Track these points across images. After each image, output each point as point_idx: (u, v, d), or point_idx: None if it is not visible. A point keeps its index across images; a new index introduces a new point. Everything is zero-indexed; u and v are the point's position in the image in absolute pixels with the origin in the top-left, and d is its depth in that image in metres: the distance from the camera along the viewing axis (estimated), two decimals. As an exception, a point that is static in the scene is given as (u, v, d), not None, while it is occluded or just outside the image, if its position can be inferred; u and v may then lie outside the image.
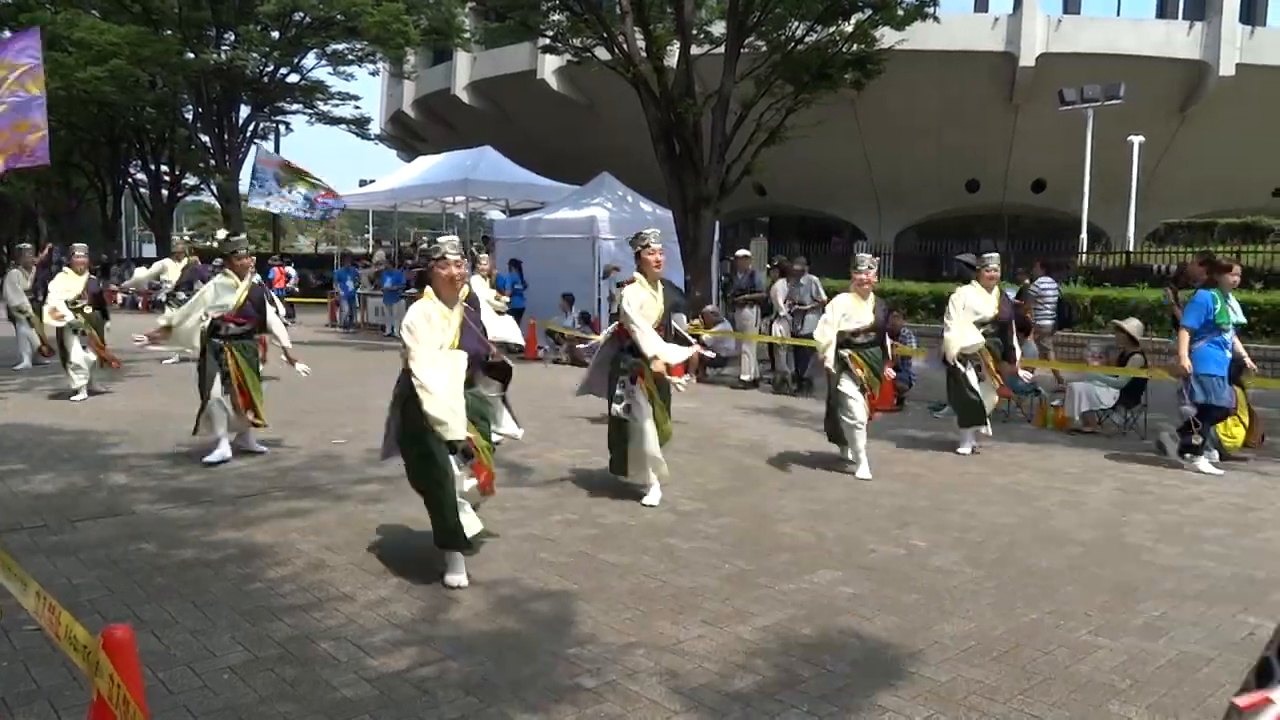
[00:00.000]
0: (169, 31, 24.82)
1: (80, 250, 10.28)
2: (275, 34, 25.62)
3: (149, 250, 40.99)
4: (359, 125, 30.49)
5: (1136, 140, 24.45)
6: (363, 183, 26.93)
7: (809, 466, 7.15)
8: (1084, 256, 21.51)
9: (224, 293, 6.91)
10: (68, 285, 9.98)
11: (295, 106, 29.55)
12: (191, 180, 33.26)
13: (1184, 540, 5.32)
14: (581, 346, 13.89)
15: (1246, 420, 7.88)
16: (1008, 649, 3.72)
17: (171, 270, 13.55)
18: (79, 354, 9.72)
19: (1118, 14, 28.94)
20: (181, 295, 12.36)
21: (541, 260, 15.65)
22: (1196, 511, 6.03)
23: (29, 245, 12.60)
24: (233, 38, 25.64)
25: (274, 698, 3.20)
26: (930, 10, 14.64)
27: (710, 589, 4.36)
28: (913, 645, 3.74)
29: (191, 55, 24.95)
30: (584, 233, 15.26)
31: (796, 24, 14.33)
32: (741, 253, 13.37)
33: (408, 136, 39.54)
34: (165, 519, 5.32)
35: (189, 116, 28.75)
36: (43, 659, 3.42)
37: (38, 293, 11.21)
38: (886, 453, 7.77)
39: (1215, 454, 7.56)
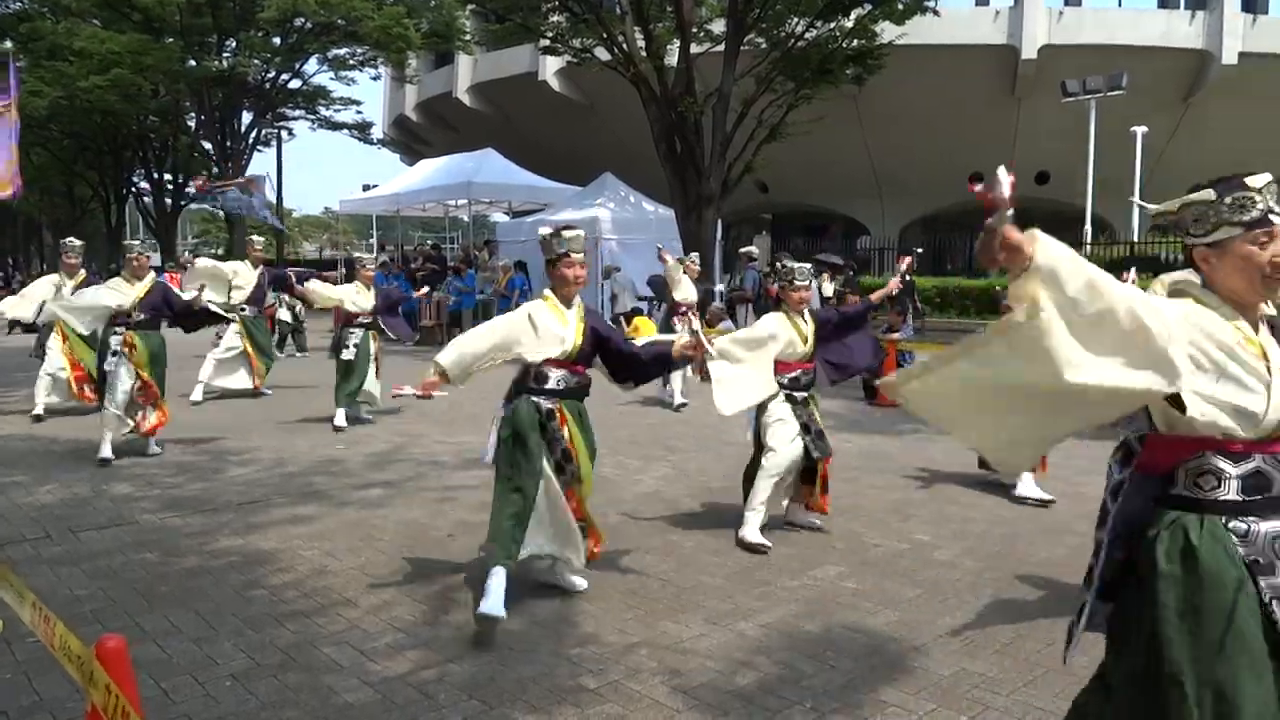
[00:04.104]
0: (170, 39, 24.93)
1: (138, 247, 7.38)
2: (276, 40, 25.71)
3: (154, 259, 40.90)
4: (361, 130, 30.60)
5: (1139, 131, 24.33)
6: (366, 187, 26.99)
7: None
8: (1088, 248, 21.45)
9: (548, 325, 4.20)
10: (120, 296, 7.14)
11: (298, 112, 29.69)
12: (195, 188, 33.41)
13: (1190, 531, 5.30)
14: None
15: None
16: (1010, 641, 3.71)
17: (245, 275, 10.05)
18: (119, 395, 7.05)
19: (1119, 4, 28.83)
20: (248, 310, 9.87)
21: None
22: (1202, 502, 6.00)
23: (78, 242, 9.44)
24: (234, 44, 25.73)
25: (276, 704, 3.21)
26: (930, 4, 14.61)
27: (712, 587, 4.36)
28: (915, 639, 3.73)
29: (193, 63, 25.06)
30: (587, 233, 15.26)
31: (796, 20, 14.33)
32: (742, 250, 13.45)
33: (410, 140, 39.60)
34: (167, 528, 5.33)
35: (191, 124, 28.87)
36: (45, 671, 3.42)
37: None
38: (888, 447, 7.75)
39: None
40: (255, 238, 10.93)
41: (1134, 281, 5.35)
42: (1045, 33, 26.27)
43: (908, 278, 17.03)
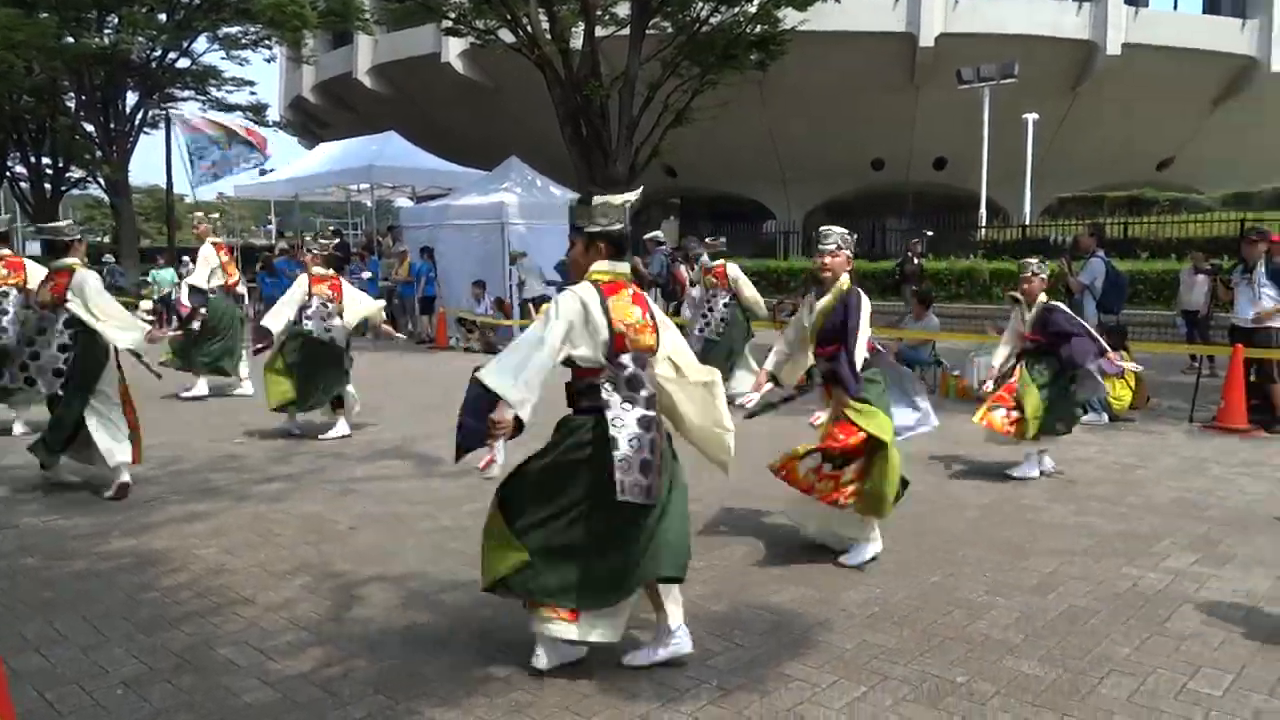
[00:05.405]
0: (45, 14, 23.47)
1: None
2: (162, 16, 24.49)
3: (33, 248, 38.88)
4: (256, 112, 29.36)
5: (1031, 118, 25.33)
6: (263, 171, 26.04)
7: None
8: (983, 231, 22.26)
9: None
10: None
11: (187, 93, 28.32)
12: (77, 173, 31.65)
13: (1074, 499, 5.57)
14: (493, 335, 13.76)
15: (1133, 383, 8.27)
16: (909, 613, 3.83)
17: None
18: None
19: (1011, -6, 29.89)
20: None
21: (451, 247, 15.42)
22: (1086, 471, 6.31)
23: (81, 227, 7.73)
24: (116, 20, 24.40)
25: (171, 709, 3.09)
26: (831, -9, 14.90)
27: (622, 571, 4.37)
28: (819, 615, 3.83)
29: (71, 39, 23.67)
30: (493, 218, 15.07)
31: (701, 5, 14.40)
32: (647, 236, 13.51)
33: (309, 122, 38.38)
34: (52, 530, 5.07)
35: (71, 105, 27.30)
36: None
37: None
38: (796, 428, 7.89)
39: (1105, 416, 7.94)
40: None
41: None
42: (942, 21, 27.07)
43: (916, 261, 17.25)
